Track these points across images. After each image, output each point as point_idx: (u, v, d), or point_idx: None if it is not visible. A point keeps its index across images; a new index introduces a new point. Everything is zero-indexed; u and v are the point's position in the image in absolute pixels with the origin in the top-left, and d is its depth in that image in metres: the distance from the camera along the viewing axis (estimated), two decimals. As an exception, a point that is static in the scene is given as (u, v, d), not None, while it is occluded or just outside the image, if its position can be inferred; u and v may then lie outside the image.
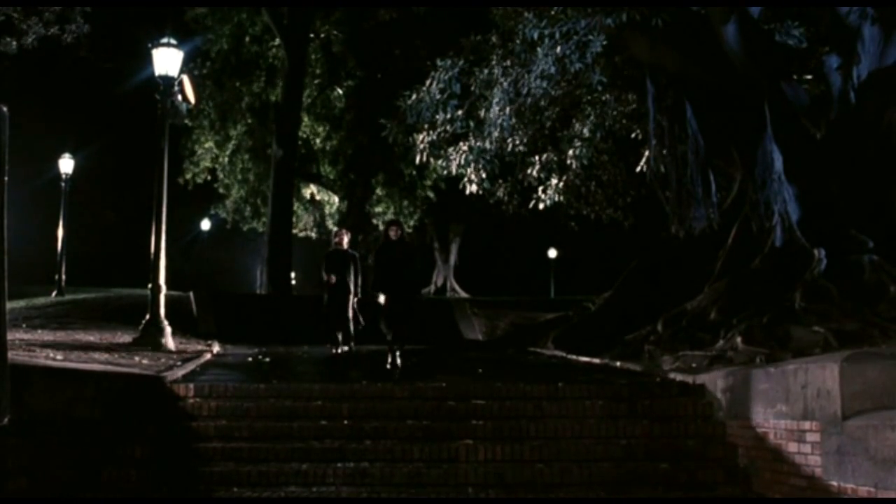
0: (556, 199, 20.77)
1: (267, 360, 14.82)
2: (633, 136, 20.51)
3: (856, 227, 15.14)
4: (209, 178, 38.40)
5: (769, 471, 8.62)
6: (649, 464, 9.33)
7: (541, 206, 21.04)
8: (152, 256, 15.91)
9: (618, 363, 13.55)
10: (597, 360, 14.13)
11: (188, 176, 37.21)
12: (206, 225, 51.48)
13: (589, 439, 9.75)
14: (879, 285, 14.16)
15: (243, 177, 38.46)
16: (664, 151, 17.84)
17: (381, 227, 20.75)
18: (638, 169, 20.25)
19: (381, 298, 13.59)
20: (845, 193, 15.63)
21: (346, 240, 15.89)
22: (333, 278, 15.21)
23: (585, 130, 19.63)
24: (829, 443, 7.59)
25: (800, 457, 8.07)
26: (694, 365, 12.37)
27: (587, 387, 10.95)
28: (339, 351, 15.47)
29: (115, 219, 47.13)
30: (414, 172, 35.72)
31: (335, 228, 16.65)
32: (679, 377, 11.18)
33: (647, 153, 18.91)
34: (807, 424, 7.97)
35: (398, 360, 13.54)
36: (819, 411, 7.76)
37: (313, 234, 43.84)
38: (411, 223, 38.80)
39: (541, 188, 20.86)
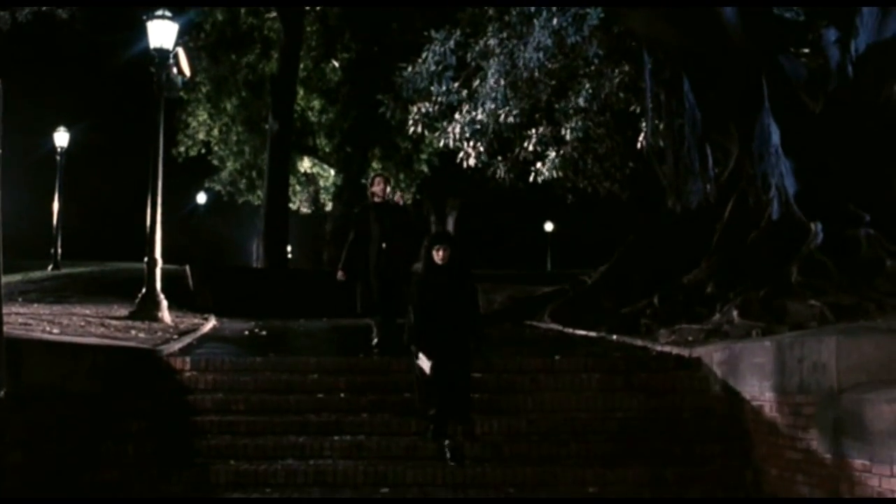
0: (555, 173, 20.74)
1: (263, 333, 14.81)
2: (630, 109, 20.45)
3: (853, 202, 15.12)
4: (204, 151, 38.33)
5: (765, 444, 8.65)
6: (645, 437, 9.35)
7: (539, 179, 21.02)
8: (148, 230, 15.87)
9: (614, 336, 13.56)
10: (593, 334, 14.14)
11: (182, 149, 37.12)
12: (202, 198, 51.40)
13: (585, 413, 9.77)
14: (876, 259, 14.16)
15: (238, 150, 38.38)
16: (661, 125, 17.79)
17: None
18: (638, 146, 20.19)
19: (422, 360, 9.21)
20: (842, 167, 15.60)
21: (387, 189, 12.45)
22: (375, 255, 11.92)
23: (580, 101, 19.57)
24: (825, 416, 7.61)
25: (795, 430, 8.09)
26: (690, 338, 12.39)
27: (583, 360, 10.96)
28: (375, 341, 12.01)
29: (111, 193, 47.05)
30: (410, 146, 35.64)
31: (371, 175, 13.43)
32: (675, 350, 11.20)
33: (644, 127, 18.86)
34: (802, 398, 7.99)
35: (457, 456, 8.98)
36: (815, 385, 7.78)
37: (308, 208, 43.78)
38: (408, 197, 38.75)
39: (538, 163, 20.83)
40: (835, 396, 7.48)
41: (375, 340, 11.96)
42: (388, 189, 12.46)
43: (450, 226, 46.72)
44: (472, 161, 19.61)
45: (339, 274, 12.33)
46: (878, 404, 6.91)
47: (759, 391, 8.79)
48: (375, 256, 12.01)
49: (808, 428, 7.89)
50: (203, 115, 37.25)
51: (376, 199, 12.24)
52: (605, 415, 9.72)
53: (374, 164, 38.20)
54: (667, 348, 11.59)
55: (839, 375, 7.49)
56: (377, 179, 12.50)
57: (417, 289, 9.57)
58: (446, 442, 8.99)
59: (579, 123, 19.68)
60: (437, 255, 9.49)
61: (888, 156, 15.57)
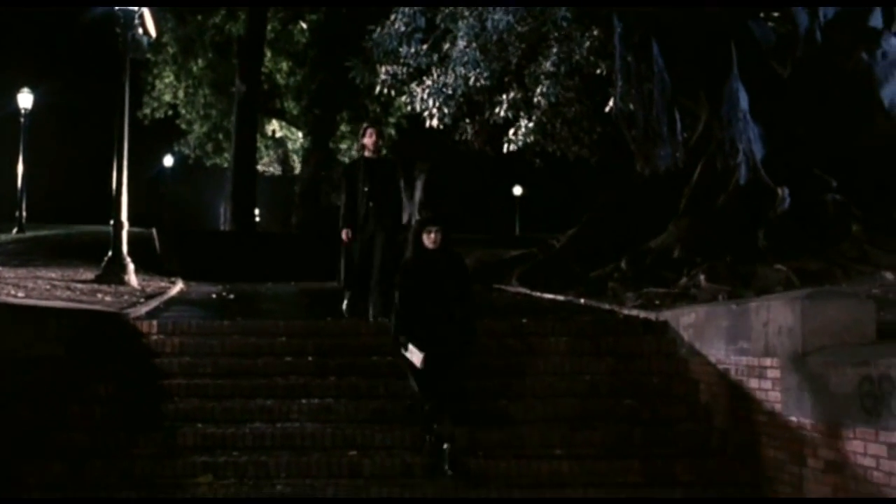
0: (527, 140, 20.72)
1: (231, 296, 14.77)
2: (599, 73, 20.43)
3: (820, 167, 15.23)
4: (170, 113, 38.02)
5: (730, 406, 8.72)
6: (612, 400, 9.40)
7: (512, 147, 21.01)
8: (114, 193, 15.75)
9: (582, 300, 13.61)
10: (561, 297, 14.18)
11: (148, 111, 36.77)
12: (168, 161, 51.03)
13: (552, 376, 9.80)
14: (842, 224, 14.29)
15: (206, 112, 38.11)
16: (630, 90, 17.80)
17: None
18: (607, 110, 20.18)
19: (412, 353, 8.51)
20: (810, 133, 15.69)
21: (380, 142, 11.46)
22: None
23: (548, 64, 19.52)
24: (790, 379, 7.68)
25: (760, 393, 8.16)
26: (657, 302, 12.46)
27: (551, 324, 10.98)
28: (371, 319, 11.07)
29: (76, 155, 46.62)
30: (379, 109, 35.49)
31: (363, 126, 11.92)
32: (642, 314, 11.24)
33: (613, 91, 18.86)
34: (768, 361, 8.05)
35: (448, 460, 8.20)
36: (780, 348, 7.84)
37: (277, 171, 43.58)
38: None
39: (510, 130, 20.81)
40: (800, 360, 7.54)
41: (345, 304, 11.42)
42: (381, 142, 11.45)
43: (418, 189, 46.59)
44: (435, 122, 19.54)
45: (345, 233, 11.26)
46: (843, 367, 6.98)
47: (725, 354, 8.85)
48: (361, 217, 11.17)
49: (773, 391, 7.95)
50: (169, 77, 36.92)
51: (367, 154, 11.33)
52: (572, 378, 9.75)
53: (343, 127, 38.05)
54: (634, 312, 11.63)
55: (804, 339, 7.55)
56: (369, 131, 11.37)
57: (406, 275, 8.80)
58: (445, 446, 8.20)
59: (550, 88, 19.64)
60: (429, 238, 8.70)
61: (856, 121, 15.68)
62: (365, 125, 11.76)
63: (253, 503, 7.96)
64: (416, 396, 8.56)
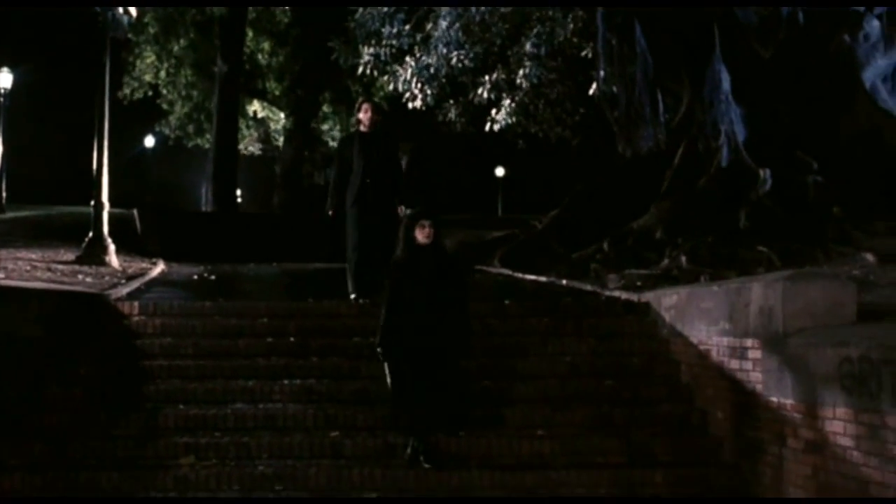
0: (509, 121, 20.71)
1: (212, 278, 14.72)
2: (582, 54, 20.41)
3: (802, 149, 15.28)
4: (151, 93, 37.78)
5: (711, 387, 8.76)
6: (594, 381, 9.42)
7: (495, 127, 20.99)
8: (95, 173, 15.65)
9: (564, 281, 13.62)
10: (543, 279, 14.20)
11: (127, 91, 36.53)
12: (150, 142, 50.78)
13: (534, 357, 9.82)
14: (824, 206, 14.35)
15: (187, 93, 37.89)
16: (613, 71, 17.78)
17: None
18: (590, 91, 20.17)
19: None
20: (792, 114, 15.73)
21: (375, 117, 11.01)
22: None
23: (528, 45, 19.49)
24: (770, 360, 7.71)
25: (741, 373, 8.19)
26: (639, 283, 12.48)
27: (532, 304, 11.00)
28: (361, 301, 10.85)
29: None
30: (361, 89, 35.38)
31: (358, 101, 11.55)
32: (624, 295, 11.26)
33: (595, 73, 18.85)
34: (749, 342, 8.08)
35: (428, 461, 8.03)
36: (761, 329, 7.87)
37: (257, 150, 43.41)
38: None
39: (493, 110, 20.79)
40: (780, 341, 7.58)
41: (353, 296, 10.94)
42: (377, 117, 11.02)
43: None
44: (418, 103, 19.51)
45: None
46: (823, 348, 7.02)
47: (706, 335, 8.88)
48: (356, 194, 10.88)
49: (753, 371, 7.99)
50: (151, 57, 36.66)
51: (362, 129, 11.01)
52: (553, 359, 9.77)
53: (325, 108, 37.91)
54: (616, 293, 11.66)
55: (785, 320, 7.58)
56: (364, 106, 11.03)
57: (398, 274, 8.21)
58: (421, 458, 8.01)
59: (533, 69, 19.62)
60: (422, 233, 8.18)
61: (837, 103, 15.72)
62: (360, 100, 11.45)
63: (235, 484, 7.96)
64: (399, 403, 8.24)
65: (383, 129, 11.21)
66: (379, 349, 8.22)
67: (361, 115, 10.98)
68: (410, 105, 19.71)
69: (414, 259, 8.25)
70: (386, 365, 8.21)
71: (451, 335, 8.16)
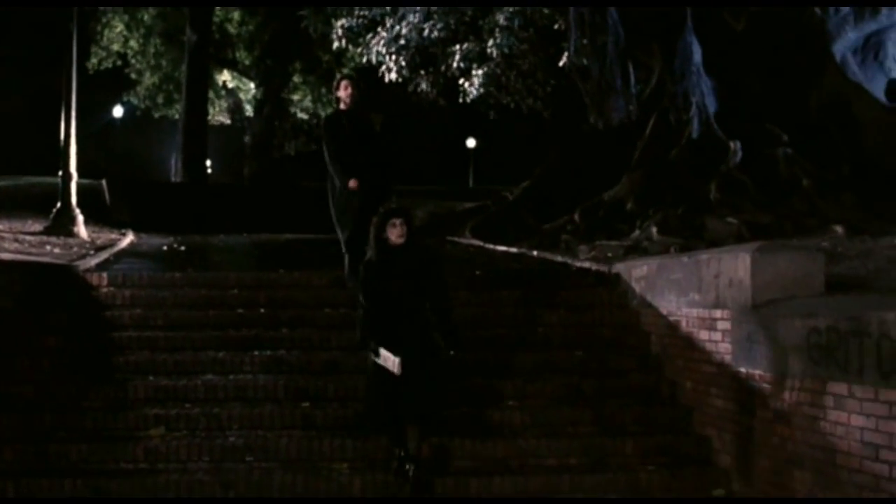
0: (480, 91, 20.66)
1: (182, 248, 14.65)
2: (554, 26, 20.36)
3: (772, 121, 15.34)
4: (120, 63, 37.39)
5: (681, 358, 8.81)
6: (565, 352, 9.45)
7: (468, 99, 20.94)
8: (62, 144, 15.52)
9: (535, 252, 13.64)
10: (514, 250, 14.21)
11: (95, 60, 36.12)
12: (118, 112, 50.34)
13: (505, 328, 9.83)
14: (793, 178, 14.44)
15: (156, 62, 37.52)
16: (585, 41, 17.75)
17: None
18: (561, 63, 20.13)
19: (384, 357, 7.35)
20: (763, 87, 15.78)
21: (355, 93, 10.36)
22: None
23: (502, 18, 19.43)
24: (739, 330, 7.76)
25: (710, 344, 8.24)
26: (610, 254, 12.53)
27: (504, 276, 11.01)
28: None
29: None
30: (332, 60, 35.15)
31: (336, 77, 11.02)
32: (595, 266, 11.29)
33: (567, 44, 18.81)
34: (718, 313, 8.12)
35: (412, 484, 7.43)
36: (730, 300, 7.91)
37: (227, 121, 43.09)
38: (329, 111, 38.35)
39: (464, 80, 20.71)
40: (749, 312, 7.62)
41: (351, 285, 9.95)
42: (357, 94, 10.33)
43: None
44: (393, 76, 19.43)
45: (352, 182, 10.11)
46: (791, 319, 7.06)
47: (676, 306, 8.92)
48: (350, 174, 10.20)
49: (723, 342, 8.04)
50: (119, 27, 36.25)
51: (342, 107, 10.44)
52: (525, 330, 9.79)
53: (295, 78, 37.66)
54: (587, 264, 11.68)
55: (754, 291, 7.62)
56: (343, 83, 10.40)
57: (370, 278, 7.49)
58: (408, 467, 7.42)
59: (504, 39, 19.56)
60: (393, 233, 7.45)
61: (808, 76, 15.78)
62: (339, 77, 10.87)
63: (205, 455, 7.95)
64: (374, 407, 7.59)
65: (382, 118, 10.63)
66: (370, 343, 7.46)
67: (342, 93, 10.35)
68: (387, 78, 19.63)
69: (388, 262, 7.52)
70: (374, 357, 7.44)
71: (435, 342, 7.57)
